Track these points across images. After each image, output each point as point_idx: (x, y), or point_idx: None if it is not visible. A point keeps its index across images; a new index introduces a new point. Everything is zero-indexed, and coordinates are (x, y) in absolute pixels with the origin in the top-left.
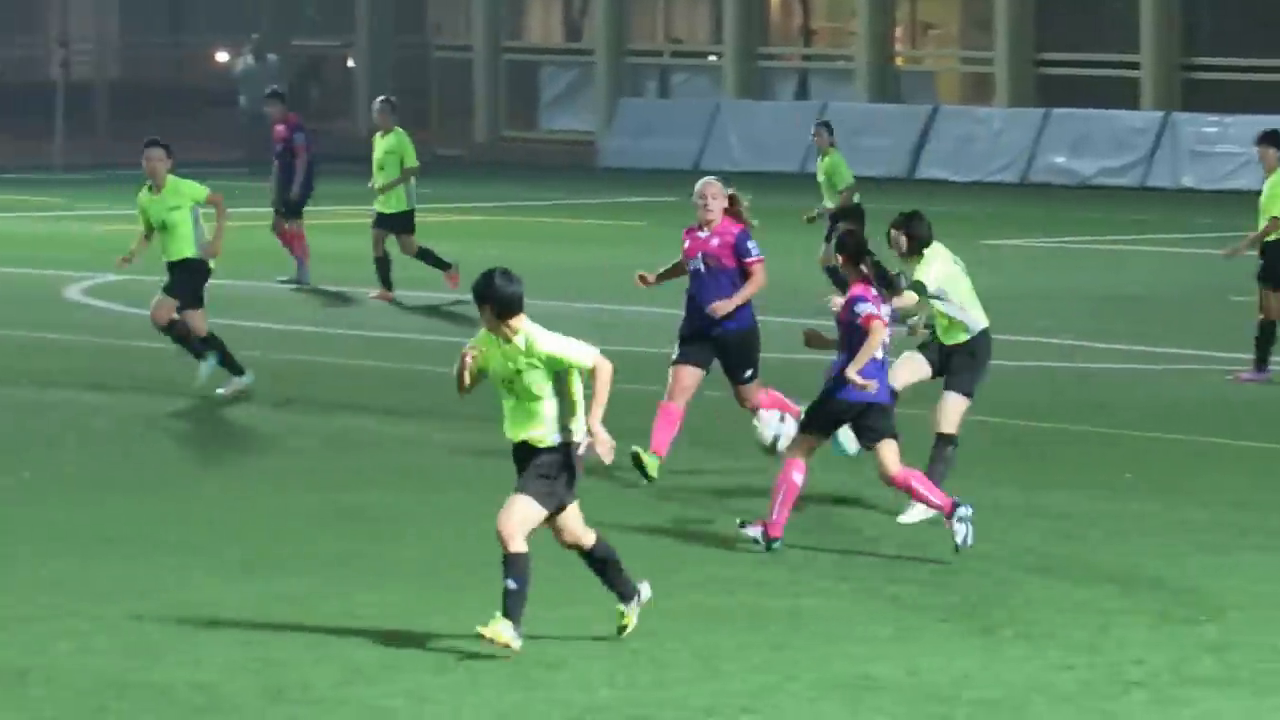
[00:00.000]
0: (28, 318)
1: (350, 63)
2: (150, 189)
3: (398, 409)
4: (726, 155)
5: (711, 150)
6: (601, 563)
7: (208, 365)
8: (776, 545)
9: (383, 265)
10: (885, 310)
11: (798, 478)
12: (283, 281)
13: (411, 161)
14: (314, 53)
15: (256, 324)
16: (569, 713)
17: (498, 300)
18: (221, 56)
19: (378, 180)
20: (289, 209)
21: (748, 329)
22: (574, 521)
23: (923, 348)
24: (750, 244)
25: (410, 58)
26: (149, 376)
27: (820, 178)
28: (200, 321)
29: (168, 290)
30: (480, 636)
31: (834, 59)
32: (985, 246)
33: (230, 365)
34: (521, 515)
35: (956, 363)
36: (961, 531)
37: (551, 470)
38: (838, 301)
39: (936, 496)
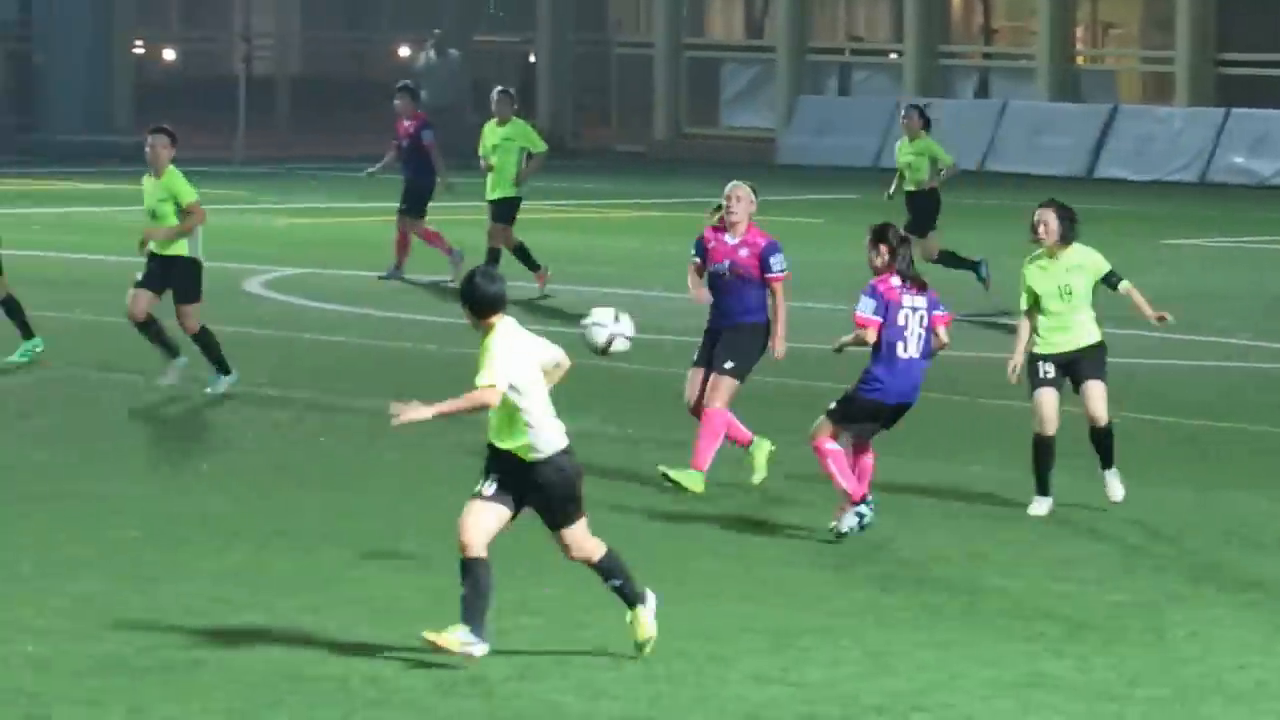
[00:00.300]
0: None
1: (531, 58)
2: (151, 175)
3: (571, 404)
4: None
5: (890, 148)
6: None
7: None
8: (870, 501)
9: (521, 252)
10: (920, 300)
11: (832, 446)
12: (448, 280)
13: (539, 147)
14: (496, 49)
15: (426, 317)
16: (741, 708)
17: (474, 300)
18: (403, 51)
19: (494, 160)
20: (414, 206)
21: (754, 324)
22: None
23: (1036, 375)
24: (774, 259)
25: (591, 54)
26: (328, 370)
27: (905, 159)
28: (139, 308)
29: (175, 296)
30: (645, 644)
31: (1015, 58)
32: (1164, 246)
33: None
34: (584, 535)
35: (1093, 358)
36: (850, 522)
37: (570, 489)
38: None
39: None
